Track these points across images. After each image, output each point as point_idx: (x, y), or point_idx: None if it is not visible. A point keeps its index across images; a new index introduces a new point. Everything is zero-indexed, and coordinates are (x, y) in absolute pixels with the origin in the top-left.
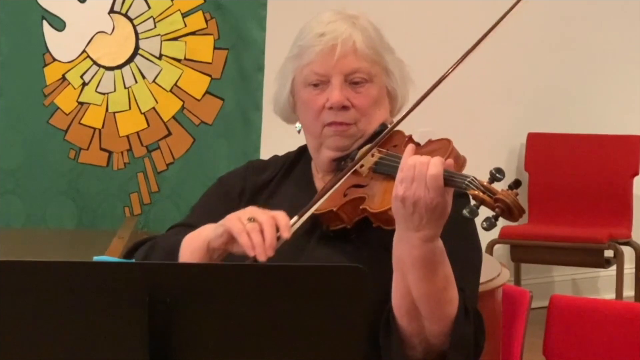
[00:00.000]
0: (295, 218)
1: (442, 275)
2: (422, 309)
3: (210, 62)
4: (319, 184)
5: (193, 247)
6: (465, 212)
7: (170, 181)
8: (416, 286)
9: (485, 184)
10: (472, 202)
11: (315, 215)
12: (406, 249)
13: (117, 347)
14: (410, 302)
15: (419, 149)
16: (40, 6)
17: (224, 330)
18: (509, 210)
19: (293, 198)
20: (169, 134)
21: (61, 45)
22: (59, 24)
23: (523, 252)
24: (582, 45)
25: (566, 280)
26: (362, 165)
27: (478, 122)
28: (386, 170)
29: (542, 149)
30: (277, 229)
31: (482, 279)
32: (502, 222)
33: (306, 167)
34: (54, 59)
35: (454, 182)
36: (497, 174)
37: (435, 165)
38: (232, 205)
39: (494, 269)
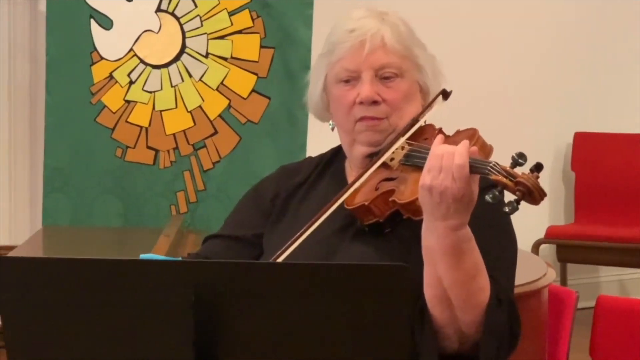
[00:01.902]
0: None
1: (472, 263)
2: (453, 298)
3: (257, 61)
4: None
5: None
6: (488, 197)
7: (216, 179)
8: (446, 275)
9: (507, 168)
10: (495, 187)
11: (349, 211)
12: (434, 238)
13: (163, 345)
14: (442, 292)
15: (447, 139)
16: (88, 5)
17: (269, 329)
18: (529, 193)
19: (326, 197)
20: (215, 132)
21: (108, 44)
22: (106, 23)
23: (569, 252)
24: (629, 44)
25: (613, 281)
26: (392, 159)
27: (524, 121)
28: (416, 162)
29: (588, 148)
30: None
31: (527, 279)
32: (547, 222)
33: (340, 165)
34: (102, 58)
35: (476, 168)
36: (519, 159)
37: (461, 155)
38: (265, 212)
39: (540, 269)
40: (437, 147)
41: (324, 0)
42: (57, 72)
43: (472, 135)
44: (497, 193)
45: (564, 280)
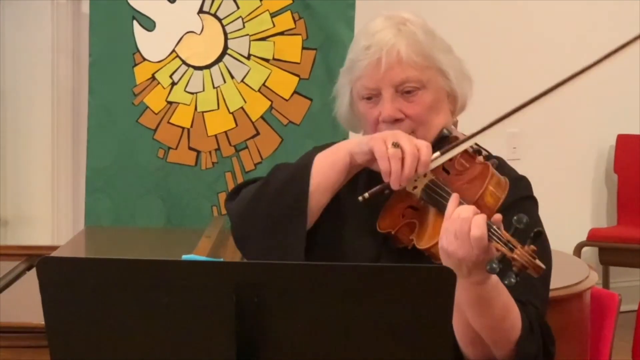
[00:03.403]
0: (436, 154)
1: (500, 308)
2: (485, 338)
3: (299, 62)
4: None
5: (334, 160)
6: (487, 268)
7: None
8: (475, 321)
9: (507, 236)
10: (495, 255)
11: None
12: (459, 291)
13: (204, 346)
14: (473, 333)
15: (459, 176)
16: (131, 6)
17: (311, 330)
18: (525, 269)
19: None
20: (257, 133)
21: (151, 45)
22: (149, 24)
23: (612, 254)
24: None
25: None
26: (415, 187)
27: (567, 123)
28: (432, 202)
29: (632, 150)
30: (417, 161)
31: (569, 282)
32: (589, 224)
33: None
34: (144, 59)
35: None
36: (517, 224)
37: (478, 227)
38: None
39: (582, 272)
40: (454, 209)
41: (365, 2)
42: (100, 74)
43: (485, 172)
44: (494, 265)
45: (606, 283)
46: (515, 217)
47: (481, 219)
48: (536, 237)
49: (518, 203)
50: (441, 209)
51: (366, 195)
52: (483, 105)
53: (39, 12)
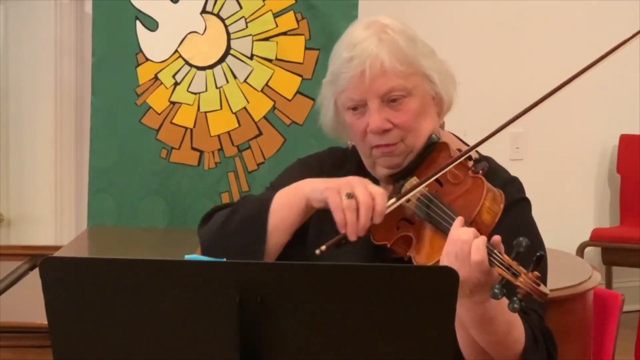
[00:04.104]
0: (392, 200)
1: (504, 324)
2: (489, 351)
3: (301, 63)
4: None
5: (291, 203)
6: (490, 294)
7: (260, 181)
8: (479, 338)
9: (510, 262)
10: (499, 280)
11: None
12: (461, 310)
13: (208, 346)
14: (478, 348)
15: (453, 188)
16: (134, 6)
17: (314, 329)
18: (529, 296)
19: None
20: (260, 133)
21: (154, 45)
22: (152, 24)
23: (615, 254)
24: None
25: None
26: (408, 200)
27: (570, 123)
28: (427, 218)
29: (635, 150)
30: (373, 211)
31: (572, 282)
32: (592, 224)
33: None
34: (147, 59)
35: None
36: (517, 248)
37: (478, 251)
38: None
39: (585, 272)
40: (456, 231)
41: (369, 2)
42: (103, 74)
43: (480, 187)
44: (496, 291)
45: (609, 283)
46: (515, 241)
47: (481, 242)
48: (538, 261)
49: (511, 207)
50: (437, 226)
51: (323, 248)
52: (484, 105)
53: (42, 12)
